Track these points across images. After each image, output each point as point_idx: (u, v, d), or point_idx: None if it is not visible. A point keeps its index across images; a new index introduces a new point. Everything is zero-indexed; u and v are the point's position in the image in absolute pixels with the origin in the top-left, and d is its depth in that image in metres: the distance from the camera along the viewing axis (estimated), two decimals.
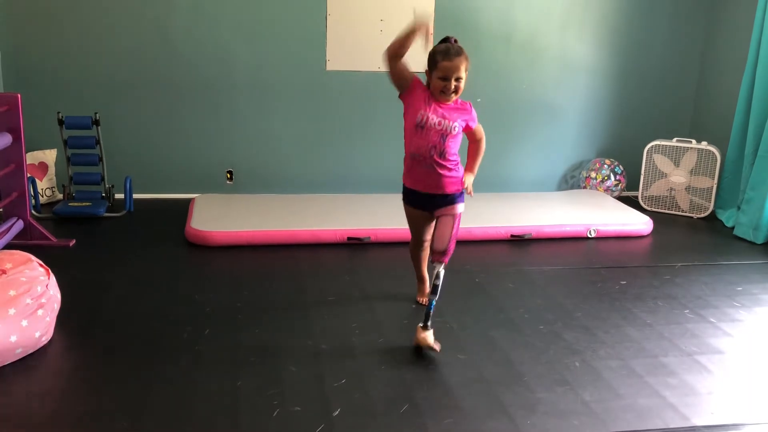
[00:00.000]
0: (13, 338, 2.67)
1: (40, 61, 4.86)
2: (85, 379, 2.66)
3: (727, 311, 3.52)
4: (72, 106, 4.85)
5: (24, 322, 2.71)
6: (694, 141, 5.28)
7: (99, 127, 4.69)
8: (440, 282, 2.94)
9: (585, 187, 5.63)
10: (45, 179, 4.94)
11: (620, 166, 5.60)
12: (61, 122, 4.63)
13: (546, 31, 5.44)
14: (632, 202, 5.44)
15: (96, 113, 4.68)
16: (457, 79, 2.88)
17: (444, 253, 2.97)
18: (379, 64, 5.21)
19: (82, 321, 3.13)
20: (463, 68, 2.88)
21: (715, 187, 5.20)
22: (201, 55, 5.00)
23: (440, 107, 2.95)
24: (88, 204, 4.70)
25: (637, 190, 5.57)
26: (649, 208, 5.40)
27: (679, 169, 5.32)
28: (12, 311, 2.68)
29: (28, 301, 2.76)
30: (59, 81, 4.91)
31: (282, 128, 5.21)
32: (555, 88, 5.57)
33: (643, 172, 5.45)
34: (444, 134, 2.94)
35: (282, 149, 5.22)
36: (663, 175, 5.40)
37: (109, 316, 3.19)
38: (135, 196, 5.03)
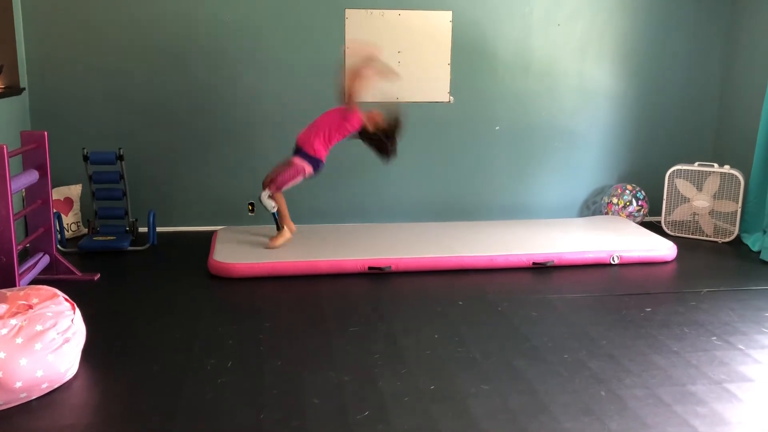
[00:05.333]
0: (39, 373, 2.70)
1: (66, 99, 4.97)
2: (110, 412, 2.68)
3: (756, 338, 3.45)
4: (96, 142, 4.95)
5: (50, 357, 2.74)
6: (716, 165, 5.23)
7: (123, 162, 4.77)
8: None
9: (607, 213, 5.59)
10: (70, 214, 5.02)
11: (642, 192, 5.56)
12: (86, 158, 4.72)
13: (564, 58, 5.46)
14: (655, 228, 5.39)
15: (120, 148, 4.77)
16: None
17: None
18: (398, 96, 5.26)
19: (107, 355, 3.15)
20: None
21: (739, 210, 5.14)
22: (222, 92, 5.08)
23: None
24: (112, 238, 4.76)
25: (660, 215, 5.52)
26: (672, 233, 5.34)
27: (702, 193, 5.27)
28: (38, 346, 2.71)
29: (54, 335, 2.79)
30: (84, 117, 5.01)
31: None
32: (574, 114, 5.58)
33: (665, 197, 5.41)
34: None
35: (302, 180, 5.26)
36: (686, 199, 5.35)
37: (133, 350, 3.22)
38: (158, 229, 5.09)
